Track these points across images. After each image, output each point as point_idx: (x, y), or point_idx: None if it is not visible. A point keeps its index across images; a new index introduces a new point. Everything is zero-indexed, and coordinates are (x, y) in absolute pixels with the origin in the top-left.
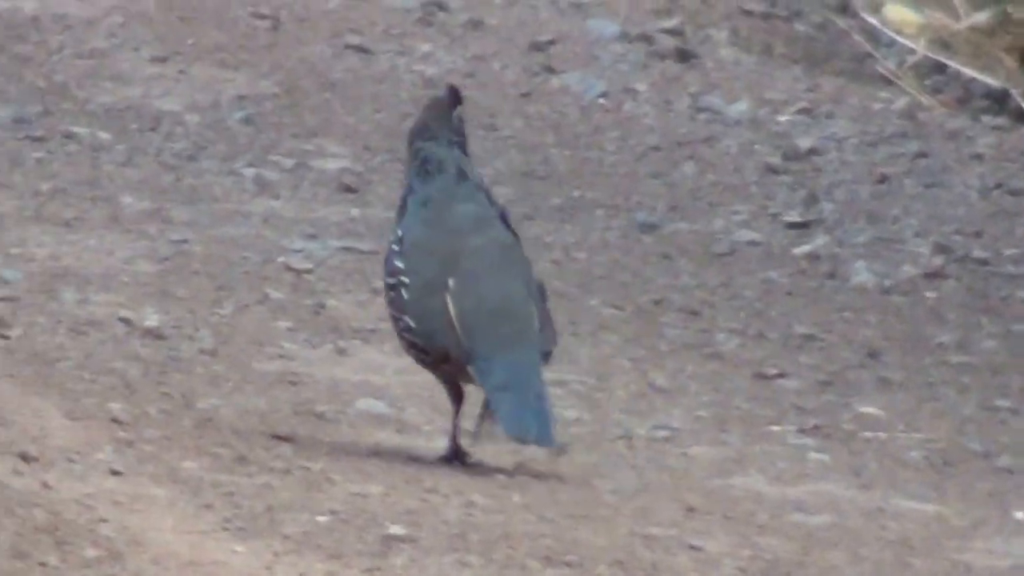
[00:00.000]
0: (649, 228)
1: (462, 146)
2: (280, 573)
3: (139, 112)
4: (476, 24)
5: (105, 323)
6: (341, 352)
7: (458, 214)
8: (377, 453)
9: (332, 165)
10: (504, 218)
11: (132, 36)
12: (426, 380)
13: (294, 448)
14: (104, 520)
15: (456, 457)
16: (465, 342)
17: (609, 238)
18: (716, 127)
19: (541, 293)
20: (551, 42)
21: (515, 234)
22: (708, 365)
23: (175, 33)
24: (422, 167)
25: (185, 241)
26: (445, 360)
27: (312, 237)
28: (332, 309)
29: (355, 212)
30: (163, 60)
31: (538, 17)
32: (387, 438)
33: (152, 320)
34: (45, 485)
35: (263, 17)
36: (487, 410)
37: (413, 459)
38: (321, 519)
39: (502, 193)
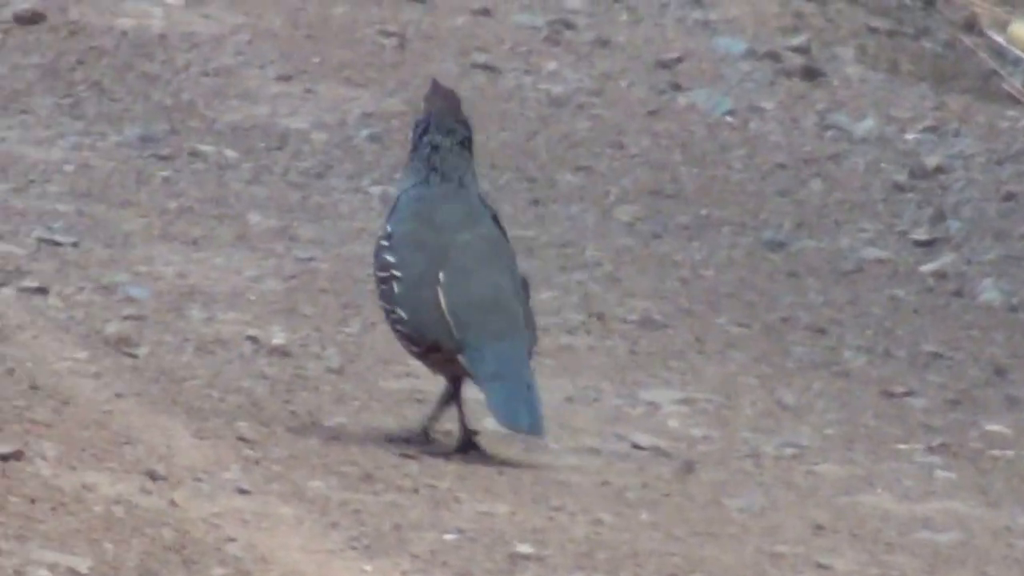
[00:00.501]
0: (776, 246)
1: (469, 144)
2: None
3: (266, 130)
4: (603, 42)
5: (232, 342)
6: None
7: (447, 210)
8: (504, 471)
9: None
10: (495, 218)
11: (259, 54)
12: (554, 399)
13: (421, 466)
14: (231, 539)
15: (468, 446)
16: (456, 333)
17: (736, 256)
18: (843, 145)
19: (525, 290)
20: (678, 60)
21: (503, 232)
22: (835, 383)
23: (301, 51)
24: (429, 163)
25: (312, 259)
26: (436, 351)
27: None
28: None
29: None
30: (289, 78)
31: (665, 35)
32: (514, 456)
33: (279, 338)
34: (173, 504)
35: (390, 35)
36: (449, 396)
37: (540, 477)
38: (448, 537)
39: (629, 211)
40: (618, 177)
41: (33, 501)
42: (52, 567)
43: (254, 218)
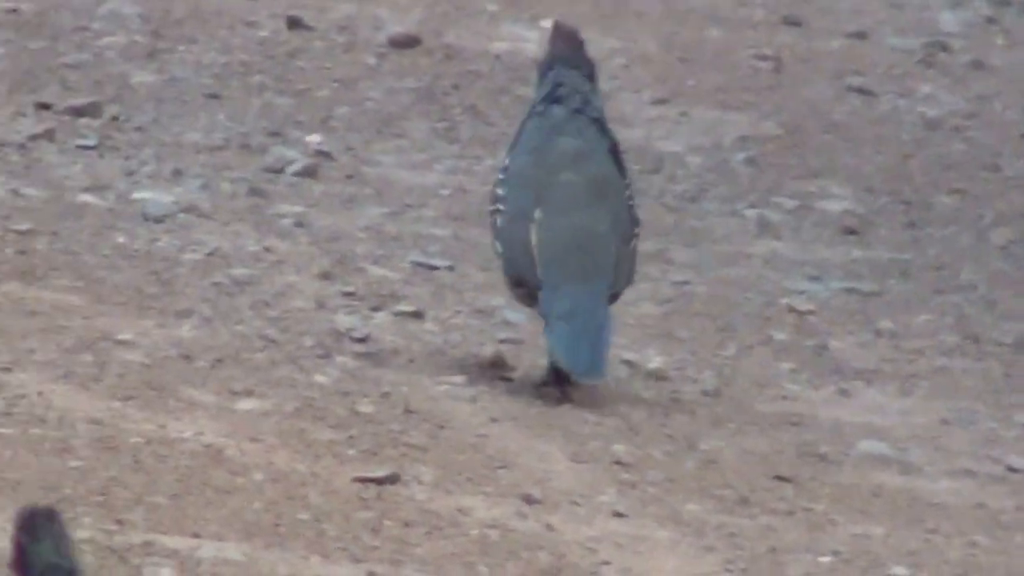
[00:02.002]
0: None
1: (593, 77)
2: None
3: (641, 153)
4: (978, 64)
5: (609, 365)
6: (843, 393)
7: (559, 149)
8: (879, 494)
9: (834, 206)
10: (614, 150)
11: (634, 78)
12: (929, 421)
13: (796, 489)
14: (607, 563)
15: (556, 382)
16: (539, 271)
17: None
18: None
19: (631, 232)
20: None
21: (621, 167)
22: None
23: (676, 75)
24: (553, 92)
25: (687, 283)
26: (521, 286)
27: (815, 279)
28: (835, 350)
29: (857, 254)
30: (665, 102)
31: None
32: (889, 479)
33: (655, 362)
34: (549, 527)
35: (765, 58)
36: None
37: (915, 500)
38: (823, 560)
39: (1004, 233)
40: (993, 199)
41: (408, 525)
42: None
43: None
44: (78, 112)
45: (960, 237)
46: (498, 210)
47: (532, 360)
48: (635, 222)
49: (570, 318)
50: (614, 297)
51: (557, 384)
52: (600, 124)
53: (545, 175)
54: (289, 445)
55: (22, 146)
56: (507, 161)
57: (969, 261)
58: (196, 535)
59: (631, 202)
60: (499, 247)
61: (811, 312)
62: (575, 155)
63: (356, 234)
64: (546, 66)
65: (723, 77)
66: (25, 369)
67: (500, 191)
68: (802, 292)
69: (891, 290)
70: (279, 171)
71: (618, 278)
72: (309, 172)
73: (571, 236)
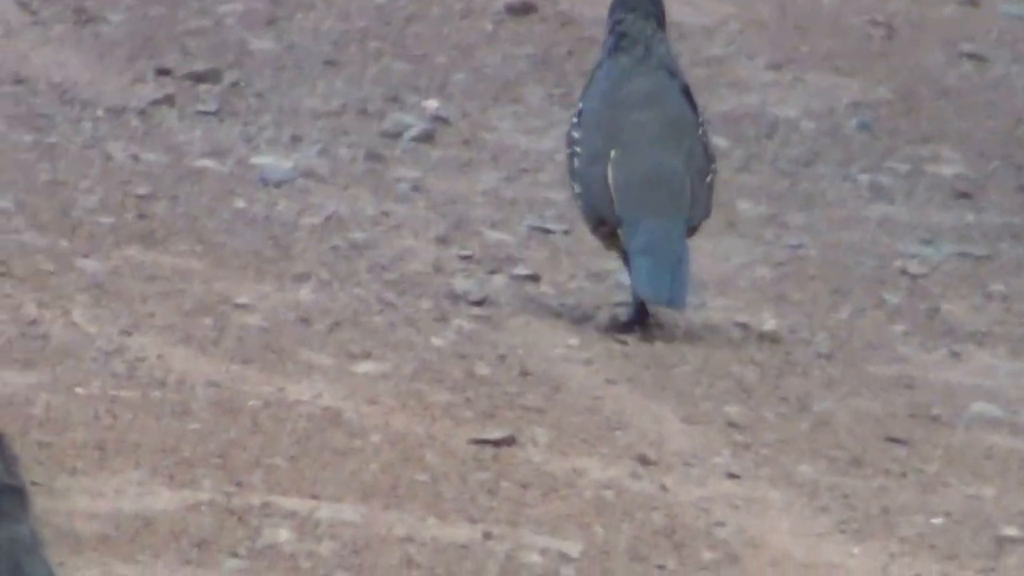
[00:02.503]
0: None
1: (659, 19)
2: (895, 574)
3: (756, 119)
4: None
5: (722, 328)
6: (955, 356)
7: (632, 89)
8: (991, 456)
9: (946, 171)
10: (686, 90)
11: (748, 44)
12: None
13: (909, 451)
14: (721, 523)
15: (640, 319)
16: (617, 208)
17: None
18: None
19: (707, 167)
20: None
21: (693, 106)
22: None
23: (790, 41)
24: (618, 42)
25: (801, 246)
26: (602, 225)
27: (927, 242)
28: (946, 313)
29: (970, 218)
30: (779, 67)
31: None
32: (1001, 441)
33: (769, 324)
34: (663, 488)
35: (878, 24)
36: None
37: None
38: (935, 521)
39: None
40: None
41: (524, 486)
42: (543, 551)
43: (743, 205)
44: (198, 78)
45: None
46: (575, 152)
47: (645, 324)
48: (710, 158)
49: (650, 251)
50: (692, 230)
51: (640, 321)
52: (667, 67)
53: (618, 115)
54: (406, 407)
55: (142, 112)
56: (581, 105)
57: None
58: (314, 496)
59: (705, 139)
60: (577, 188)
61: (923, 275)
62: (647, 95)
63: (473, 198)
64: (612, 11)
65: (836, 43)
66: (145, 333)
67: (575, 134)
68: (914, 256)
69: (1003, 254)
70: (397, 136)
71: (694, 212)
72: (426, 137)
73: (647, 173)
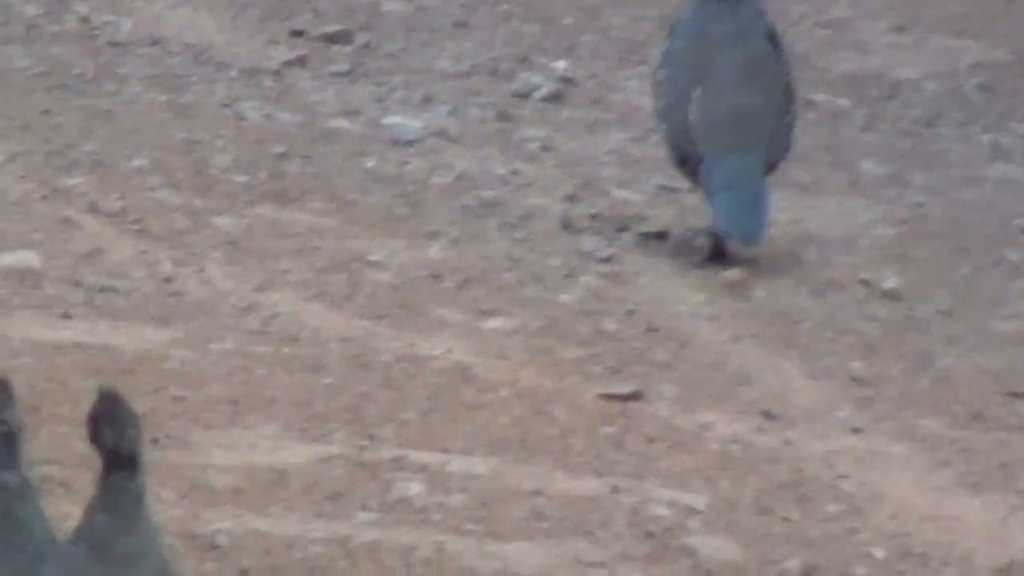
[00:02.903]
0: None
1: None
2: (1014, 527)
3: (878, 80)
4: None
5: (845, 285)
6: None
7: (716, 30)
8: None
9: None
10: (771, 34)
11: (870, 6)
12: None
13: None
14: (844, 476)
15: (717, 254)
16: (698, 146)
17: None
18: None
19: (788, 107)
20: None
21: (778, 49)
22: None
23: (913, 3)
24: None
25: (922, 205)
26: (683, 161)
27: None
28: None
29: None
30: (901, 29)
31: None
32: None
33: (890, 282)
34: (788, 443)
35: None
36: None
37: None
38: None
39: None
40: None
41: (651, 440)
42: (670, 504)
43: (866, 165)
44: (330, 39)
45: None
46: (660, 92)
47: (771, 280)
48: (790, 98)
49: (728, 187)
50: (771, 168)
51: (721, 255)
52: (752, 9)
53: (702, 56)
54: (535, 363)
55: (276, 73)
56: (667, 45)
57: None
58: (445, 450)
59: (787, 79)
60: (662, 127)
61: None
62: (731, 36)
63: (600, 157)
64: None
65: (957, 6)
66: (279, 289)
67: (661, 74)
68: None
69: None
70: (526, 96)
71: (773, 150)
72: (555, 97)
73: (728, 111)
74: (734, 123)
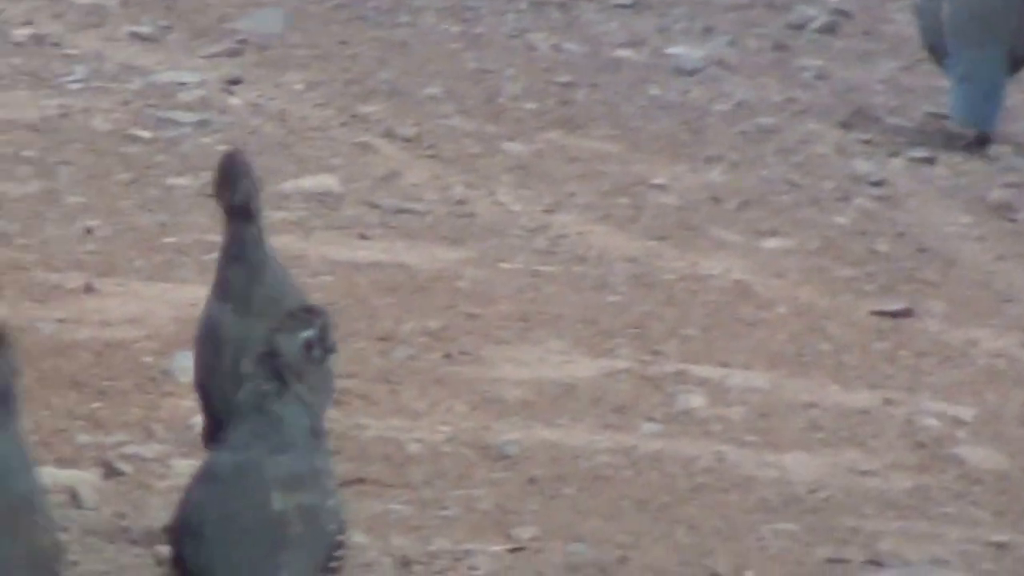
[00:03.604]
0: None
1: None
2: None
3: None
4: None
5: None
6: None
7: None
8: None
9: None
10: None
11: None
12: None
13: None
14: None
15: (981, 141)
16: (947, 40)
17: None
18: None
19: None
20: None
21: None
22: None
23: None
24: None
25: None
26: (933, 54)
27: None
28: None
29: None
30: None
31: None
32: None
33: None
34: None
35: None
36: None
37: None
38: None
39: None
40: None
41: (921, 355)
42: (939, 416)
43: None
44: None
45: None
46: None
47: None
48: None
49: (968, 79)
50: (1019, 61)
51: (982, 143)
52: None
53: None
54: (811, 281)
55: (563, 4)
56: None
57: None
58: (725, 364)
59: None
60: (919, 22)
61: None
62: None
63: (872, 86)
64: None
65: None
66: (567, 211)
67: None
68: None
69: None
70: (801, 27)
71: (1018, 44)
72: (829, 28)
73: (977, 7)
74: (981, 19)
